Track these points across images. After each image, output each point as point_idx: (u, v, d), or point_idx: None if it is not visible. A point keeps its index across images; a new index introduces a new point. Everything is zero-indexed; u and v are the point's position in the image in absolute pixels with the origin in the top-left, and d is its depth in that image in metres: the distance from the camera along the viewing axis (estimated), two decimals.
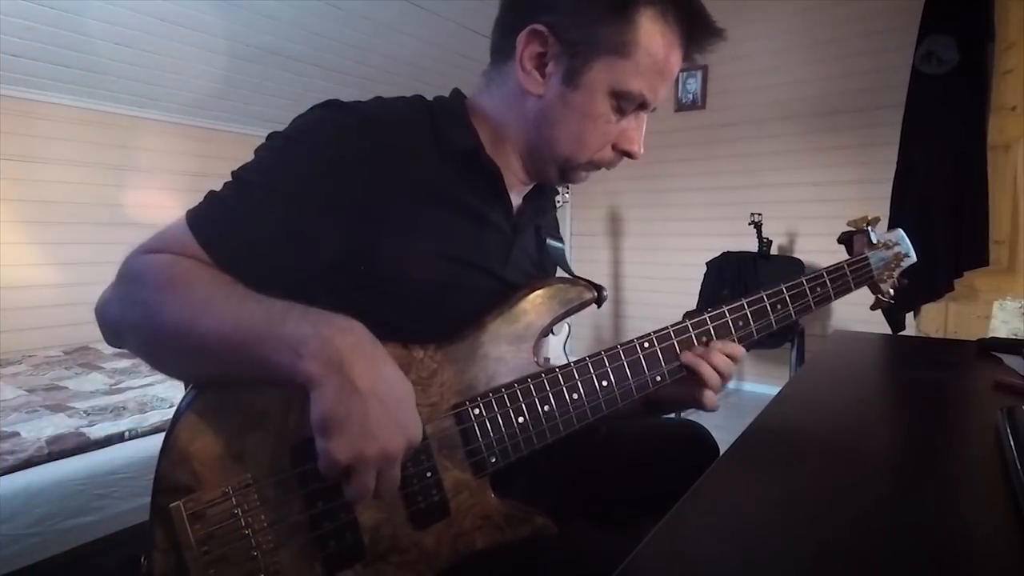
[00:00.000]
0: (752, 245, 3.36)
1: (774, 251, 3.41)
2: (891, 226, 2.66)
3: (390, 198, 0.62)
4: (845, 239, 0.88)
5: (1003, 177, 2.23)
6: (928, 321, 2.47)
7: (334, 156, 0.60)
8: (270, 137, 0.63)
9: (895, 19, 3.00)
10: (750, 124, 3.64)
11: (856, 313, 3.25)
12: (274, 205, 0.59)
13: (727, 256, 3.49)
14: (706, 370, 0.70)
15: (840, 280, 0.81)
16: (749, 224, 3.33)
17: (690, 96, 3.84)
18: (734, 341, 0.73)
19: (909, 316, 2.58)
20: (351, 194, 0.60)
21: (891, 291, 0.87)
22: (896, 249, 0.86)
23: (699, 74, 3.79)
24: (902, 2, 2.91)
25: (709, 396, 0.72)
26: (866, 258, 0.84)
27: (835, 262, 0.82)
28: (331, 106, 0.63)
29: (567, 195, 3.49)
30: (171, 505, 0.53)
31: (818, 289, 0.78)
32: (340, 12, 2.86)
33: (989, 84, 2.24)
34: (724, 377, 0.71)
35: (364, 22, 2.98)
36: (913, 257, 0.87)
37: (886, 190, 2.54)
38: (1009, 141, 2.21)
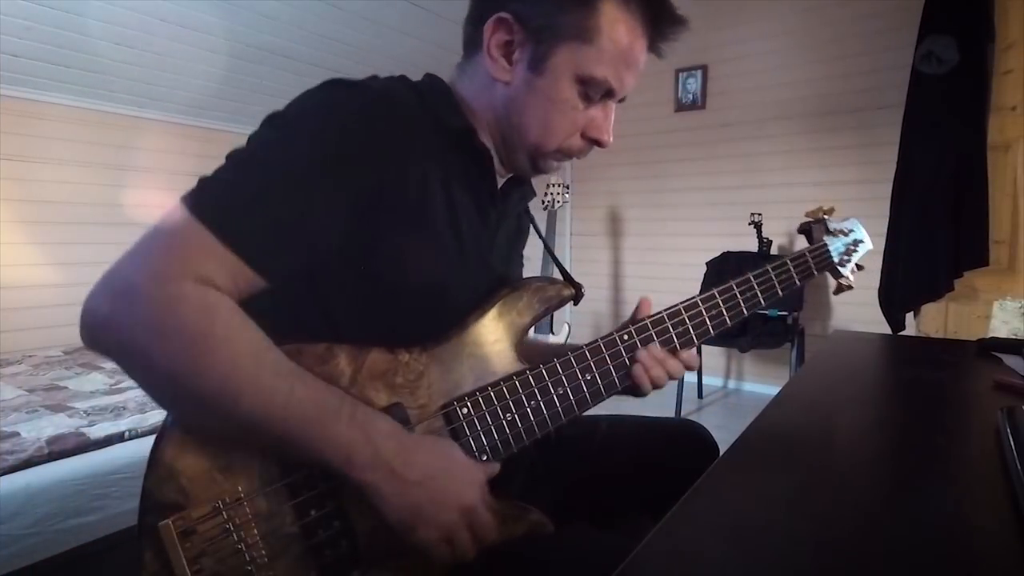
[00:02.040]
0: (752, 245, 3.36)
1: (774, 251, 3.41)
2: (890, 226, 2.64)
3: (399, 183, 0.61)
4: (804, 229, 0.94)
5: (1003, 177, 2.22)
6: (928, 321, 2.47)
7: (352, 133, 0.58)
8: (275, 117, 0.60)
9: (895, 19, 3.00)
10: (750, 124, 3.64)
11: (856, 313, 3.25)
12: (298, 187, 0.56)
13: (727, 256, 3.49)
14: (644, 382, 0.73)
15: (802, 266, 0.86)
16: (749, 224, 3.33)
17: (690, 96, 3.84)
18: (709, 332, 0.77)
19: (909, 316, 2.58)
20: (365, 172, 0.59)
21: (851, 276, 0.93)
22: (852, 236, 0.92)
23: (699, 74, 3.79)
24: (902, 2, 2.91)
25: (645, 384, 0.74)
26: (824, 245, 0.90)
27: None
28: (337, 84, 0.61)
29: (567, 195, 3.49)
30: (160, 524, 0.51)
31: (782, 275, 0.83)
32: (341, 12, 2.86)
33: (989, 84, 2.24)
34: (657, 386, 0.74)
35: (364, 22, 2.98)
36: (869, 243, 0.93)
37: (886, 190, 2.54)
38: (1009, 141, 2.21)
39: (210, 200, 0.54)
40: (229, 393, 0.50)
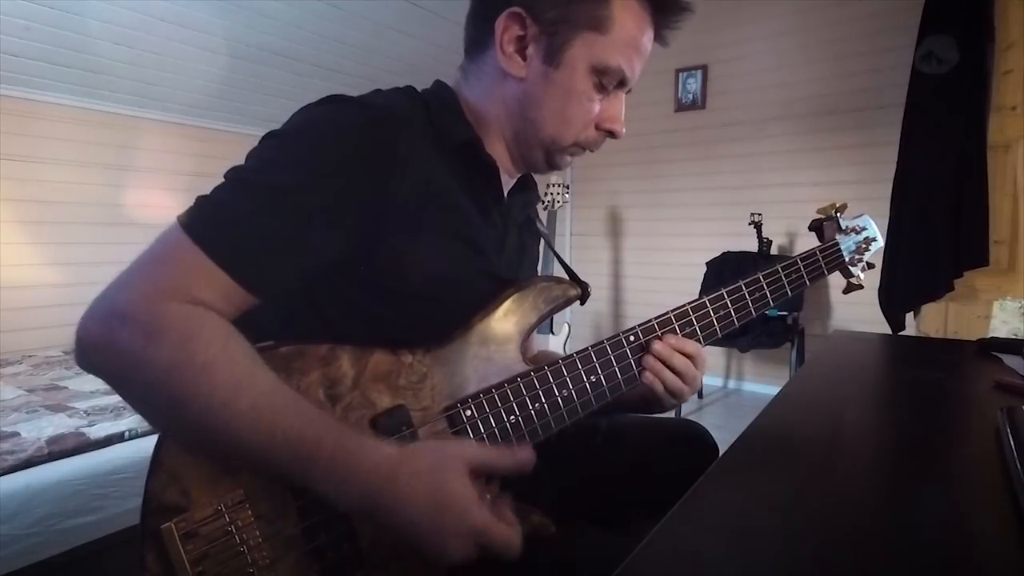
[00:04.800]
0: (752, 245, 3.36)
1: (774, 251, 3.41)
2: (890, 226, 2.63)
3: (399, 197, 0.60)
4: (815, 227, 0.92)
5: (1003, 177, 2.23)
6: (928, 321, 2.47)
7: (350, 152, 0.58)
8: (272, 135, 0.60)
9: (895, 19, 3.01)
10: (750, 124, 3.64)
11: (856, 313, 3.25)
12: (292, 206, 0.55)
13: (727, 256, 3.50)
14: (669, 378, 0.70)
15: (813, 266, 0.84)
16: (749, 224, 3.33)
17: (690, 96, 3.84)
18: (717, 334, 0.75)
19: (909, 316, 2.58)
20: (362, 192, 0.58)
21: (861, 275, 0.90)
22: (864, 234, 0.90)
23: (699, 74, 3.79)
24: (902, 2, 2.91)
25: (665, 399, 0.72)
26: (836, 243, 0.87)
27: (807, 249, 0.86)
28: (336, 101, 0.61)
29: (567, 195, 3.49)
30: (162, 526, 0.51)
31: (792, 275, 0.81)
32: (340, 12, 2.86)
33: (989, 84, 2.24)
34: (686, 379, 0.71)
35: (364, 22, 2.98)
36: (881, 241, 0.91)
37: (886, 190, 2.54)
38: (1009, 141, 2.21)
39: (206, 220, 0.54)
40: (209, 428, 0.50)
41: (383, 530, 0.54)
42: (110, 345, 0.50)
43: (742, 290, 0.77)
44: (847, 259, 0.88)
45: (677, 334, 0.72)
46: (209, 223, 0.54)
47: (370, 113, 0.61)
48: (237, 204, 0.55)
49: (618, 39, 0.66)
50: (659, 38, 0.71)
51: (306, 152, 0.58)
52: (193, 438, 0.52)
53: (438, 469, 0.53)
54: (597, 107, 0.69)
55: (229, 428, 0.50)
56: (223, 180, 0.57)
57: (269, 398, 0.52)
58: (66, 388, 1.93)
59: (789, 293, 0.81)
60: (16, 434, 1.45)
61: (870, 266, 0.91)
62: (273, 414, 0.51)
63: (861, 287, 0.90)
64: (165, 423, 0.53)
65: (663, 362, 0.70)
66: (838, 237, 0.88)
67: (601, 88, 0.68)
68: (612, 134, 0.72)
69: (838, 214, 0.89)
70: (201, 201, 0.56)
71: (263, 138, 0.60)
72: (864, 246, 0.89)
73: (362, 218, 0.59)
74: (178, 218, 0.54)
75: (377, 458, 0.52)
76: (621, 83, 0.69)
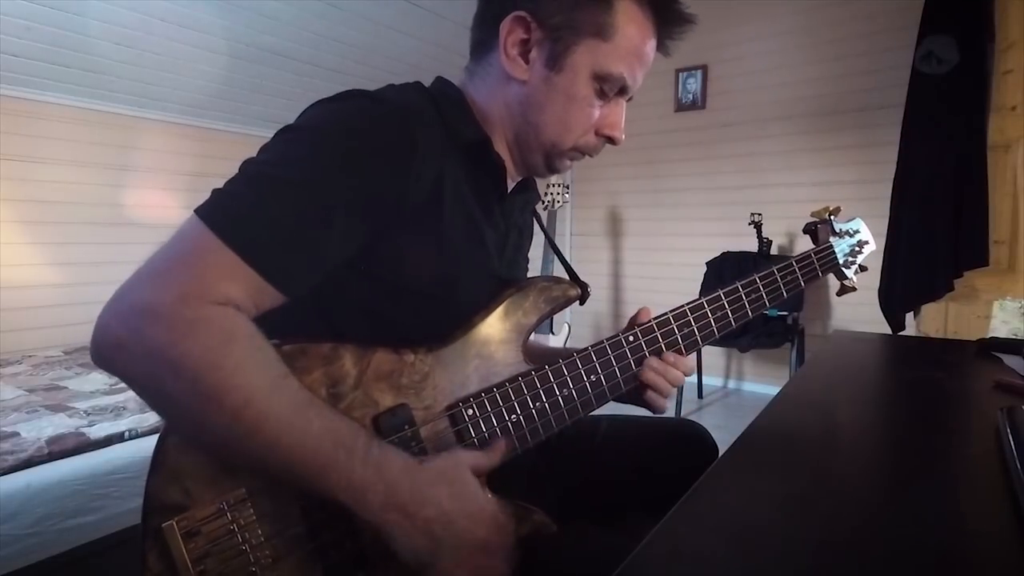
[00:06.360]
0: (752, 245, 3.36)
1: (774, 251, 3.41)
2: (890, 226, 2.64)
3: (413, 192, 0.61)
4: (810, 229, 0.93)
5: (1003, 177, 2.22)
6: (928, 321, 2.47)
7: (367, 146, 0.58)
8: (288, 129, 0.60)
9: (895, 19, 3.01)
10: (750, 124, 3.64)
11: (856, 313, 3.25)
12: (314, 202, 0.55)
13: (727, 256, 3.50)
14: (662, 383, 0.73)
15: (808, 268, 0.85)
16: (749, 224, 3.33)
17: (690, 96, 3.84)
18: (714, 335, 0.76)
19: (909, 316, 2.58)
20: (379, 186, 0.58)
21: (855, 277, 0.92)
22: (858, 237, 0.91)
23: (699, 74, 3.79)
24: (902, 2, 2.91)
25: (659, 402, 0.75)
26: (830, 246, 0.89)
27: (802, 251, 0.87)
28: (352, 96, 0.61)
29: (567, 195, 3.49)
30: (164, 525, 0.51)
31: (788, 277, 0.82)
32: (340, 12, 2.86)
33: (989, 84, 2.24)
34: (674, 387, 0.75)
35: (364, 22, 2.98)
36: (873, 244, 0.92)
37: (886, 190, 2.54)
38: (1009, 141, 2.21)
39: (230, 215, 0.53)
40: (243, 426, 0.49)
41: (406, 529, 0.53)
42: (137, 344, 0.48)
43: (739, 291, 0.78)
44: (841, 261, 0.89)
45: (679, 344, 0.74)
46: (234, 218, 0.53)
47: (386, 108, 0.61)
48: (259, 199, 0.54)
49: (620, 47, 0.66)
50: (661, 48, 0.71)
51: (324, 147, 0.58)
52: (219, 439, 0.51)
53: (464, 479, 0.57)
54: (597, 113, 0.70)
55: (265, 427, 0.49)
56: (239, 173, 0.56)
57: (304, 396, 0.52)
58: (66, 388, 1.93)
59: (785, 295, 0.82)
60: (16, 434, 1.44)
61: (863, 269, 0.92)
62: (310, 412, 0.52)
63: (854, 289, 0.92)
64: (190, 424, 0.52)
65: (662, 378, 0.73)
66: (832, 240, 0.89)
67: (602, 94, 0.69)
68: (611, 140, 0.72)
69: (832, 217, 0.91)
70: (220, 196, 0.55)
71: (278, 132, 0.60)
72: (857, 249, 0.91)
73: (377, 213, 0.59)
74: (197, 211, 0.53)
75: (406, 457, 0.55)
76: (622, 90, 0.70)
